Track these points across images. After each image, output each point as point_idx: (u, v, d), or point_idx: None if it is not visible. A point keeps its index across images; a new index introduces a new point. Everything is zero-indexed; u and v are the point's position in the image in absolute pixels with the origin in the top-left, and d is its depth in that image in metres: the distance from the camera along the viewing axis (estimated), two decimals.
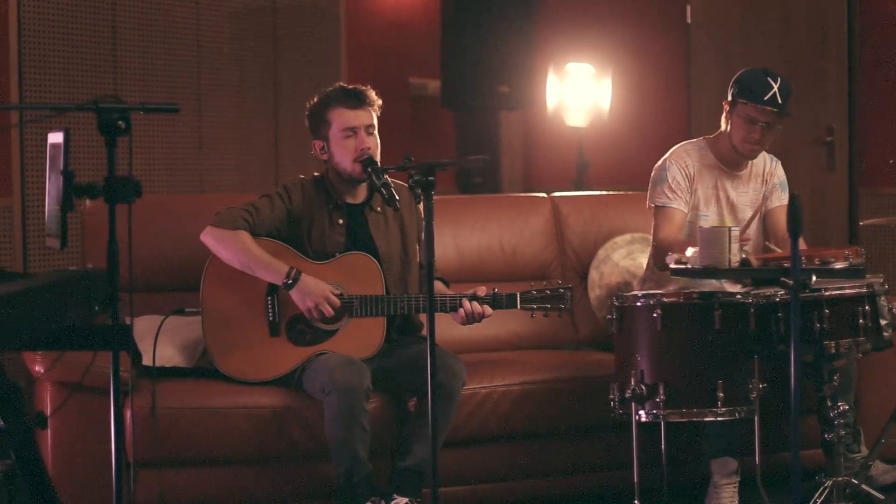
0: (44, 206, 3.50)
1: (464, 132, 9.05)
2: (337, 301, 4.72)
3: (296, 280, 4.69)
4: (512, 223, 5.92)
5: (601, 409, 4.69)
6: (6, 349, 2.75)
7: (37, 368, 4.64)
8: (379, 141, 4.89)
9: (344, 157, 4.83)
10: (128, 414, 4.57)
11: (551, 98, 8.39)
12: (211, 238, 4.80)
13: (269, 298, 4.83)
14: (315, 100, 4.96)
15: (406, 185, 4.48)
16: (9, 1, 6.42)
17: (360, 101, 4.86)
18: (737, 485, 4.90)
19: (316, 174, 5.01)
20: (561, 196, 6.17)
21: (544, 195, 6.14)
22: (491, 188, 8.55)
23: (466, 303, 4.76)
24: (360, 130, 4.82)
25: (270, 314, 4.84)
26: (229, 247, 4.77)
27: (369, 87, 4.93)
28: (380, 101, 4.91)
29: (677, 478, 4.93)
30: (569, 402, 5.10)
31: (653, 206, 5.16)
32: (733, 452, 4.89)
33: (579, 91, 8.29)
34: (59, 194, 3.22)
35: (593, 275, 5.80)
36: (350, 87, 4.90)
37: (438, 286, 4.89)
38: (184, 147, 7.37)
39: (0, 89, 6.36)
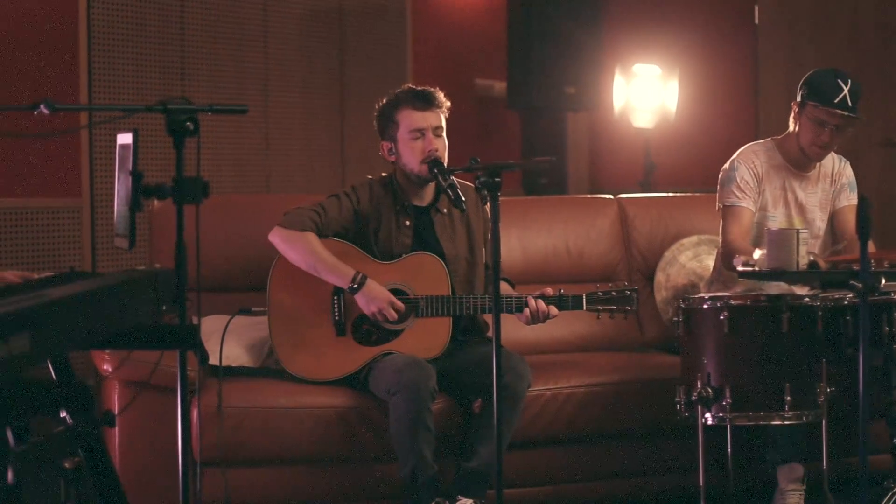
0: (112, 206, 3.52)
1: (529, 133, 9.03)
2: (401, 306, 4.73)
3: (361, 285, 4.70)
4: (578, 225, 5.90)
5: (667, 412, 4.66)
6: (75, 348, 2.78)
7: (105, 367, 4.68)
8: (447, 142, 4.89)
9: (411, 158, 4.84)
10: (194, 413, 4.59)
11: (618, 99, 8.35)
12: (278, 238, 4.82)
13: (335, 298, 4.84)
14: (384, 101, 4.97)
15: (472, 186, 4.48)
16: (79, 3, 6.48)
17: (428, 102, 4.87)
18: (803, 491, 4.86)
19: (383, 175, 5.02)
20: (627, 197, 6.14)
21: (610, 197, 6.11)
22: (556, 189, 8.53)
23: (532, 302, 4.75)
24: (427, 132, 4.83)
25: (336, 314, 4.85)
26: (296, 248, 4.79)
27: (437, 88, 4.93)
28: (448, 103, 4.91)
29: (743, 482, 4.90)
30: (634, 405, 5.08)
31: (721, 206, 5.12)
32: (800, 458, 4.86)
33: (646, 92, 8.25)
34: (127, 195, 3.24)
35: (659, 277, 5.77)
36: (419, 88, 4.91)
37: (504, 287, 4.88)
38: (251, 147, 7.41)
39: (70, 91, 6.42)
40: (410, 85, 4.97)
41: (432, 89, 4.90)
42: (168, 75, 6.97)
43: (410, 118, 4.85)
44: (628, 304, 4.85)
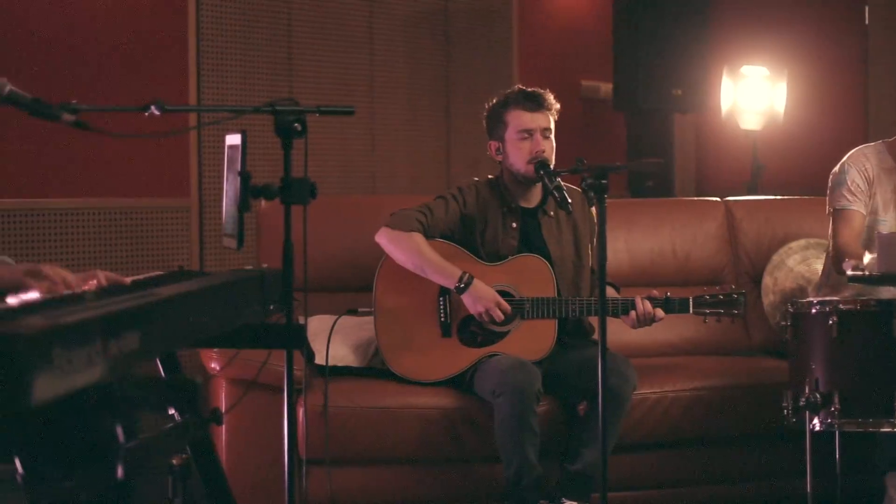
0: (219, 206, 3.55)
1: (635, 135, 8.96)
2: (508, 306, 4.72)
3: (468, 285, 4.70)
4: (684, 227, 5.86)
5: (773, 417, 4.61)
6: (184, 347, 2.81)
7: (213, 366, 4.72)
8: (554, 145, 4.88)
9: (518, 158, 4.84)
10: (300, 412, 4.62)
11: (725, 101, 8.27)
12: (385, 239, 4.84)
13: (441, 299, 4.85)
14: (493, 101, 4.98)
15: (578, 188, 4.46)
16: (188, 5, 6.56)
17: (538, 103, 4.87)
18: None
19: (490, 177, 5.03)
20: (735, 200, 6.08)
21: (717, 199, 6.06)
22: (662, 192, 8.46)
23: (639, 302, 4.72)
24: (536, 133, 4.83)
25: (442, 315, 4.86)
26: (403, 248, 4.80)
27: (548, 90, 4.93)
28: (557, 106, 4.91)
29: (851, 489, 4.83)
30: (740, 409, 5.03)
31: (831, 210, 5.05)
32: None
33: (754, 94, 8.16)
34: (236, 195, 3.27)
35: (767, 280, 5.71)
36: (529, 90, 4.91)
37: (609, 292, 4.87)
38: (356, 148, 7.45)
39: (179, 92, 6.50)
40: (521, 86, 4.97)
41: (543, 91, 4.91)
42: (275, 77, 7.03)
43: (520, 118, 4.85)
44: (735, 308, 4.81)
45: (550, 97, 4.90)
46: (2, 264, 3.03)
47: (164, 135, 3.73)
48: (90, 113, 3.21)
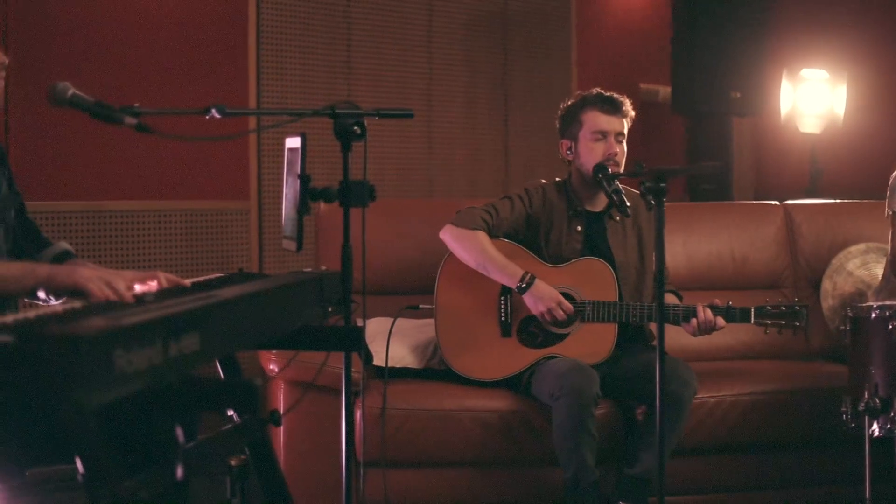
0: (279, 208, 3.57)
1: (694, 138, 8.93)
2: (570, 307, 4.72)
3: (529, 284, 4.71)
4: (743, 231, 5.83)
5: (832, 422, 4.58)
6: (245, 348, 2.83)
7: (271, 367, 4.75)
8: (626, 150, 4.89)
9: (589, 159, 4.85)
10: (358, 414, 4.64)
11: (784, 104, 8.23)
12: (449, 236, 4.86)
13: (502, 299, 4.86)
14: (570, 101, 5.01)
15: (637, 192, 4.46)
16: (248, 9, 6.60)
17: (615, 108, 4.89)
18: None
19: (558, 179, 5.04)
20: (794, 204, 6.05)
21: (776, 203, 6.03)
22: (721, 195, 8.42)
23: (701, 310, 4.70)
24: (610, 136, 4.84)
25: (503, 314, 4.86)
26: (466, 246, 4.82)
27: (626, 96, 4.94)
28: (633, 113, 4.93)
29: None
30: (799, 414, 5.00)
31: (891, 213, 5.01)
32: None
33: (813, 97, 8.11)
34: (295, 198, 3.29)
35: (826, 284, 5.68)
36: (607, 93, 4.93)
37: (671, 299, 4.86)
38: (414, 151, 7.46)
39: (239, 95, 6.54)
40: (600, 90, 4.97)
41: (621, 97, 4.92)
42: (334, 80, 7.06)
43: (596, 119, 4.87)
44: (797, 321, 4.77)
45: (628, 104, 4.93)
46: (80, 264, 3.07)
47: (225, 138, 3.75)
48: (151, 116, 3.24)
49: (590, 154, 4.86)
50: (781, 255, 5.83)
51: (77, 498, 2.48)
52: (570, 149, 4.96)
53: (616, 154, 4.83)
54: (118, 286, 2.98)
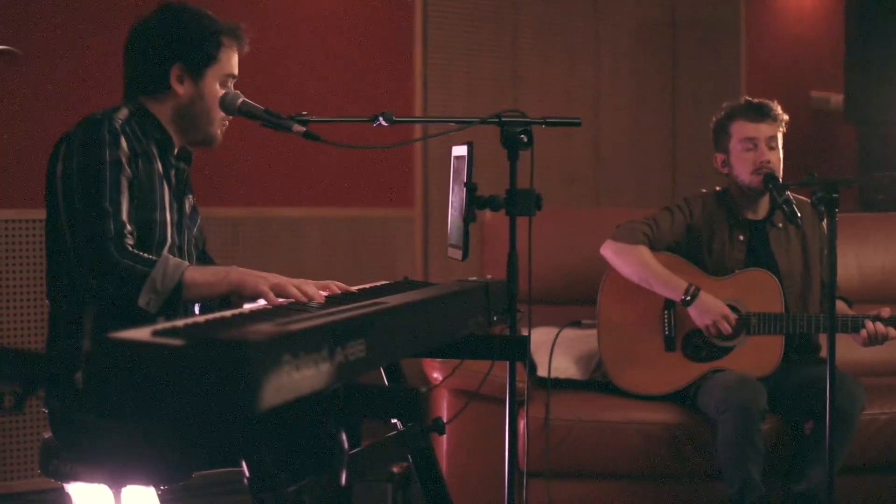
0: (444, 217, 3.57)
1: (866, 147, 8.75)
2: (735, 319, 4.66)
3: (694, 297, 4.65)
4: None
5: None
6: (410, 356, 2.83)
7: (435, 375, 4.76)
8: (781, 156, 4.80)
9: (743, 169, 4.78)
10: (522, 424, 4.62)
11: None
12: (610, 251, 4.83)
13: (665, 313, 4.81)
14: (720, 113, 4.93)
15: (808, 201, 4.37)
16: (414, 17, 6.63)
17: (761, 114, 4.80)
18: None
19: (718, 189, 4.97)
20: None
21: None
22: (895, 206, 8.24)
23: (870, 323, 4.60)
24: (760, 143, 4.76)
25: (667, 328, 4.81)
26: (628, 261, 4.79)
27: (775, 101, 4.85)
28: (785, 117, 4.84)
29: None
30: None
31: None
32: None
33: None
34: (461, 206, 3.28)
35: None
36: (755, 100, 4.85)
37: (841, 306, 4.75)
38: (581, 160, 7.43)
39: (404, 103, 6.57)
40: (748, 97, 4.91)
41: (769, 102, 4.84)
42: (500, 88, 7.06)
43: (743, 129, 4.79)
44: None
45: (777, 108, 4.83)
46: (254, 276, 3.11)
47: (392, 146, 3.76)
48: (318, 124, 3.27)
49: (742, 165, 4.79)
50: None
51: (242, 501, 2.51)
52: (724, 162, 4.89)
53: (769, 161, 4.74)
54: (308, 290, 3.02)
